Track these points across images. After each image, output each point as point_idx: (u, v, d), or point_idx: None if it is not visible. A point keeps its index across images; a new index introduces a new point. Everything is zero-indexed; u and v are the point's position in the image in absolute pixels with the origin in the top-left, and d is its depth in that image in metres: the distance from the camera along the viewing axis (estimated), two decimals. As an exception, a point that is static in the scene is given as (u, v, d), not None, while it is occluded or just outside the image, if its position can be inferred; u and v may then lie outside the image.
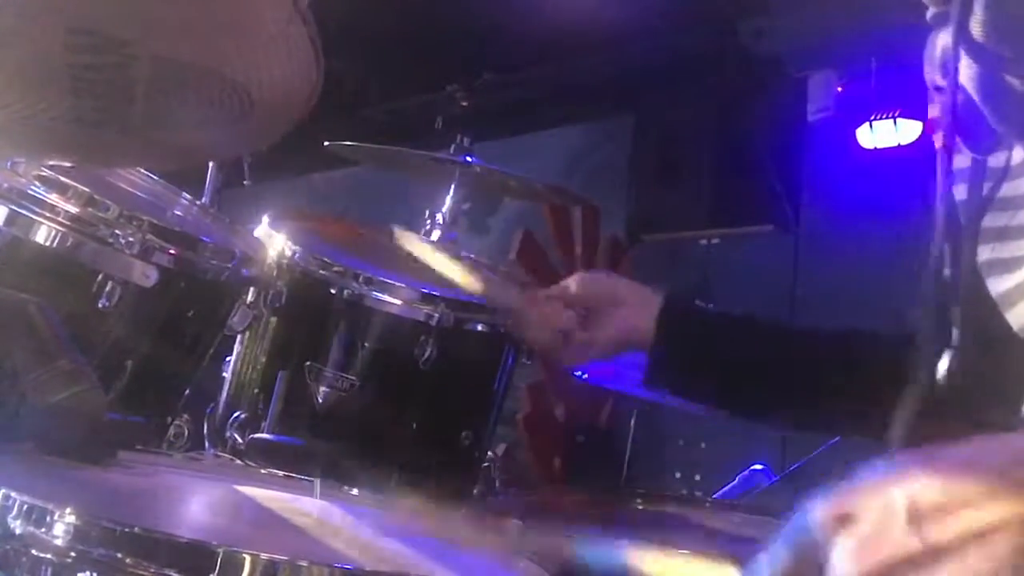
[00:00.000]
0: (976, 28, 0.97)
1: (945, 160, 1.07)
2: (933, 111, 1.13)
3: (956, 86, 0.99)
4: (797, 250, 4.26)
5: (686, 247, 4.52)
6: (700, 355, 1.40)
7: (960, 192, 1.09)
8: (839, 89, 4.16)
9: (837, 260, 3.78)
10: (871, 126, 3.97)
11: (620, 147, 4.74)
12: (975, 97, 1.01)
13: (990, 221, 1.05)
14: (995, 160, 1.06)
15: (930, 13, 1.04)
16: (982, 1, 0.96)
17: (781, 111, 4.26)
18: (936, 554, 0.54)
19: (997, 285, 1.03)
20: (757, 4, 4.02)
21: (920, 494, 0.56)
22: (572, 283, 1.42)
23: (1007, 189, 1.04)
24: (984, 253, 1.04)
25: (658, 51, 4.32)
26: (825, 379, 1.33)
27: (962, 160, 1.08)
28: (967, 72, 1.00)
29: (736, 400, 1.43)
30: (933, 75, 1.07)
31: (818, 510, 0.60)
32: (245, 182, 2.39)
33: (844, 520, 0.58)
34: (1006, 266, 1.03)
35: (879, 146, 3.95)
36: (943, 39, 1.02)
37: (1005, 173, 1.04)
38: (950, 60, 1.00)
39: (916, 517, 0.55)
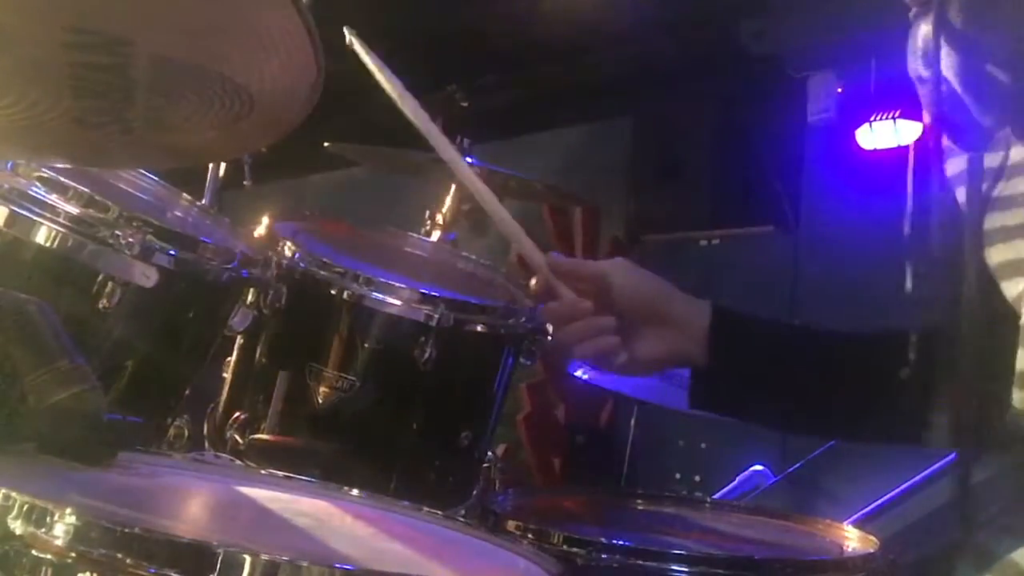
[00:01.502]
0: (956, 16, 0.97)
1: (935, 154, 1.07)
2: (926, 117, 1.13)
3: (939, 76, 0.99)
4: (797, 250, 4.26)
5: (686, 247, 4.53)
6: (754, 374, 1.32)
7: (961, 195, 1.09)
8: (839, 90, 4.16)
9: (837, 260, 3.78)
10: (871, 127, 3.97)
11: (620, 148, 4.74)
12: (957, 88, 1.01)
13: (991, 222, 1.05)
14: (991, 160, 1.05)
15: (912, 11, 1.04)
16: None
17: (781, 112, 4.26)
18: None
19: (1010, 288, 1.03)
20: (757, 5, 4.02)
21: None
22: (609, 276, 1.29)
23: (1004, 188, 1.04)
24: (993, 256, 1.04)
25: (658, 52, 4.33)
26: (876, 383, 1.29)
27: (959, 163, 1.08)
28: (948, 62, 1.00)
29: (790, 416, 1.37)
30: (916, 67, 1.07)
31: None
32: (245, 182, 2.39)
33: None
34: (1012, 267, 1.03)
35: (879, 147, 3.95)
36: (924, 30, 1.02)
37: (1001, 172, 1.04)
38: (932, 50, 1.00)
39: None
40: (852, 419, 1.33)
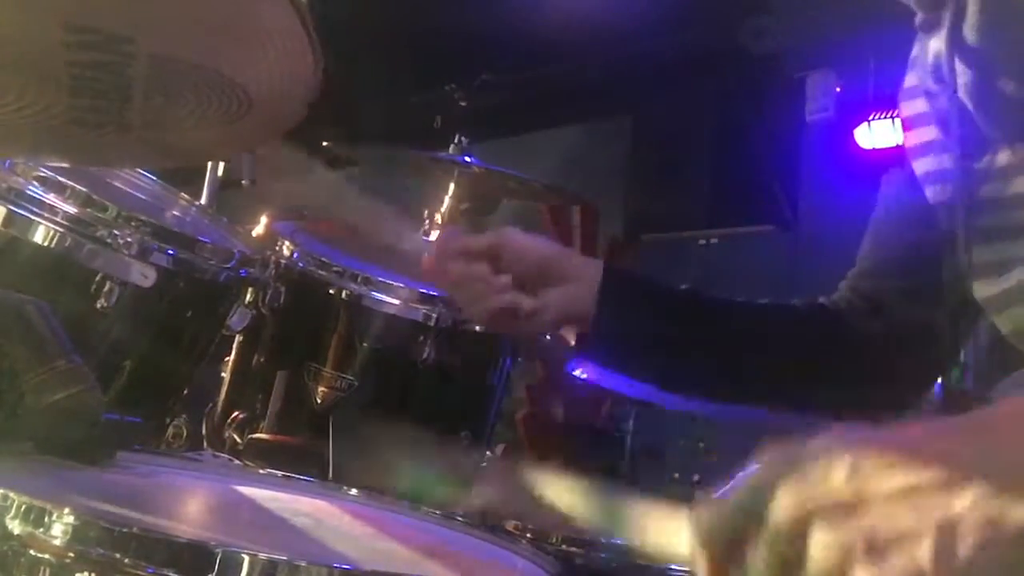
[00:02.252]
0: (970, 33, 0.96)
1: (929, 165, 1.08)
2: (908, 110, 1.13)
3: (954, 91, 0.99)
4: (796, 250, 4.26)
5: (685, 247, 4.52)
6: (641, 331, 1.33)
7: (941, 193, 1.08)
8: (838, 89, 4.16)
9: (836, 260, 3.77)
10: (870, 126, 3.97)
11: (619, 147, 4.74)
12: (968, 103, 1.01)
13: (981, 222, 1.05)
14: (980, 161, 1.05)
15: (919, 19, 1.04)
16: (975, 6, 0.95)
17: (780, 111, 4.26)
18: (866, 505, 0.58)
19: (983, 289, 1.03)
20: (756, 4, 4.02)
21: (861, 454, 0.60)
22: (500, 243, 1.30)
23: (990, 191, 1.03)
24: (977, 254, 1.04)
25: (657, 51, 4.33)
26: (748, 351, 1.31)
27: (943, 161, 1.08)
28: (961, 78, 1.00)
29: (673, 376, 1.38)
30: (926, 81, 1.07)
31: (764, 462, 0.64)
32: (244, 182, 2.39)
33: (788, 469, 0.62)
34: (995, 269, 1.03)
35: (877, 146, 3.95)
36: (935, 44, 1.02)
37: (988, 175, 1.04)
38: (944, 65, 1.00)
39: (854, 471, 0.60)
40: (732, 382, 1.35)
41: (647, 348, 1.34)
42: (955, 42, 0.98)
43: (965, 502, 0.56)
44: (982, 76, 0.99)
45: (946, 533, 0.56)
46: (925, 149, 1.10)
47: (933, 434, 0.63)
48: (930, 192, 1.09)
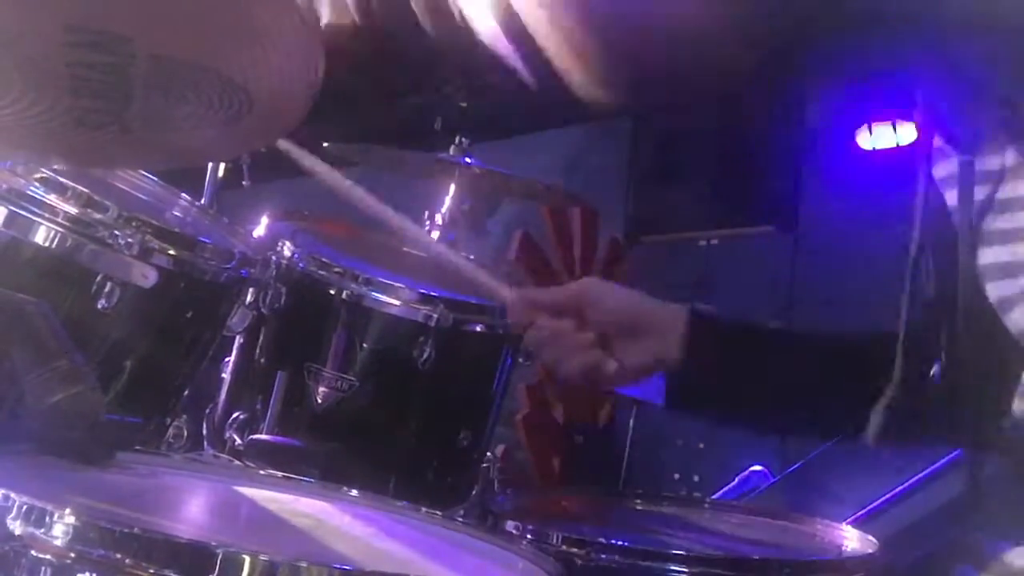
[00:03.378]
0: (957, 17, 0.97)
1: (925, 156, 1.08)
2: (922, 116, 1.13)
3: (940, 78, 1.00)
4: (796, 251, 4.25)
5: (685, 248, 4.52)
6: (728, 374, 1.33)
7: (951, 198, 1.09)
8: (838, 90, 4.16)
9: (836, 261, 3.78)
10: (870, 128, 3.97)
11: (619, 148, 4.74)
12: (971, 105, 1.01)
13: (990, 224, 1.05)
14: (988, 163, 1.05)
15: None
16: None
17: (780, 112, 4.26)
18: None
19: (997, 290, 1.03)
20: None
21: None
22: (582, 296, 1.32)
23: (1006, 191, 1.04)
24: (986, 257, 1.04)
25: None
26: (839, 381, 1.31)
27: (949, 166, 1.08)
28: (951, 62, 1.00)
29: (764, 416, 1.39)
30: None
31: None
32: (244, 183, 2.39)
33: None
34: (1007, 270, 1.03)
35: (878, 147, 3.95)
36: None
37: (1002, 176, 1.04)
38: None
39: None
40: (830, 418, 1.35)
41: (739, 390, 1.34)
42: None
43: None
44: (967, 61, 1.00)
45: None
46: (939, 154, 1.10)
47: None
48: (948, 196, 1.09)
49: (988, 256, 1.05)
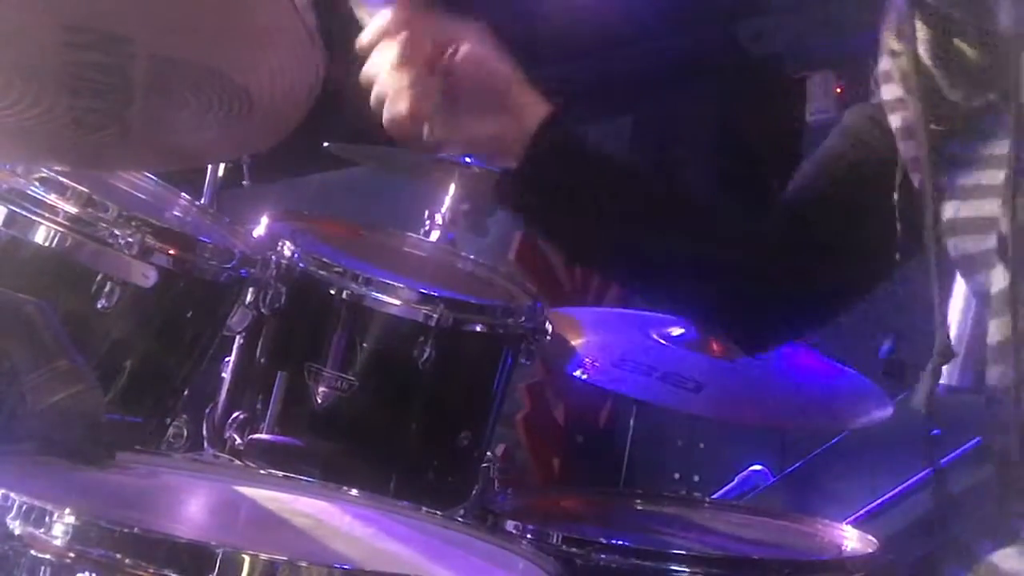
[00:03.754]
0: None
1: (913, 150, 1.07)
2: (881, 66, 1.13)
3: (914, 49, 1.00)
4: (796, 250, 4.25)
5: (685, 248, 4.52)
6: (561, 188, 1.22)
7: (911, 148, 1.08)
8: (838, 90, 4.16)
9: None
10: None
11: (620, 148, 4.74)
12: (927, 61, 1.01)
13: (948, 212, 1.05)
14: (943, 123, 1.05)
15: None
16: None
17: (780, 112, 4.26)
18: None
19: (966, 246, 1.03)
20: (756, 5, 4.02)
21: None
22: (460, 40, 1.16)
23: (961, 148, 1.04)
24: (956, 211, 1.04)
25: (657, 51, 4.33)
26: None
27: (909, 118, 1.07)
28: (921, 36, 1.00)
29: (586, 242, 1.28)
30: (889, 42, 1.07)
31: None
32: (245, 183, 2.39)
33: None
34: (976, 226, 1.03)
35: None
36: (898, 4, 1.03)
37: (954, 134, 1.04)
38: (905, 22, 1.01)
39: None
40: (645, 269, 1.28)
41: (569, 207, 1.22)
42: (915, 1, 0.99)
43: None
44: (941, 36, 1.00)
45: None
46: (894, 106, 1.10)
47: None
48: (902, 147, 1.09)
49: (957, 210, 1.05)
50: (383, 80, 1.14)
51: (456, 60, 1.15)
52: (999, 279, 0.96)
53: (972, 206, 1.02)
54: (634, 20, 3.98)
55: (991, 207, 0.98)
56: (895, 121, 1.09)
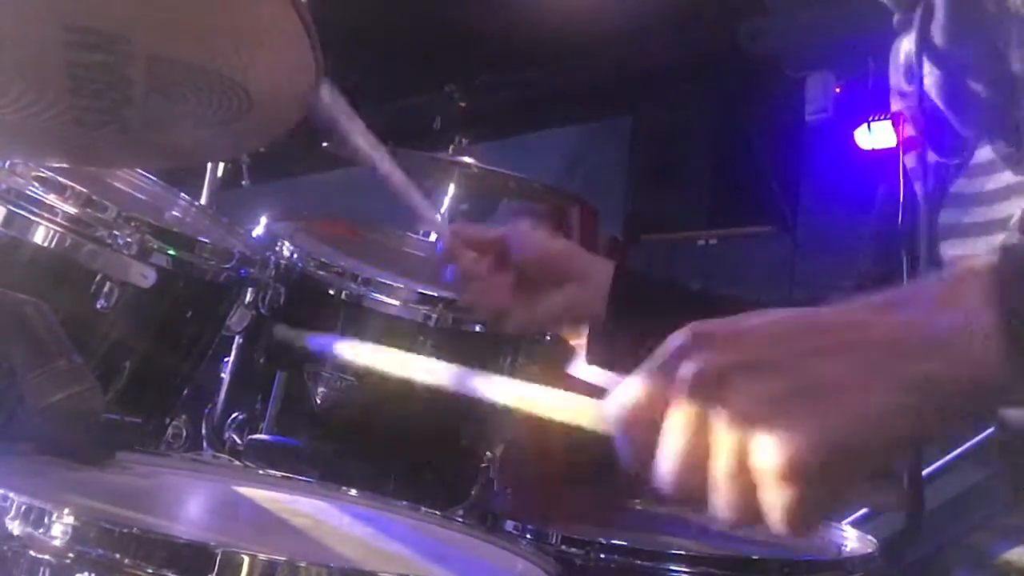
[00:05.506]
0: (938, 34, 0.97)
1: (913, 161, 1.08)
2: (895, 106, 1.13)
3: (922, 92, 1.00)
4: (795, 250, 4.26)
5: (684, 247, 4.53)
6: (651, 332, 1.29)
7: (920, 188, 1.09)
8: (837, 90, 4.16)
9: (835, 260, 3.78)
10: (869, 127, 3.98)
11: (618, 148, 4.75)
12: (939, 103, 1.01)
13: (945, 218, 1.05)
14: (954, 159, 1.06)
15: (896, 18, 1.04)
16: (943, 8, 0.96)
17: (779, 112, 4.27)
18: (779, 362, 0.62)
19: None
20: (755, 5, 4.02)
21: (777, 323, 0.64)
22: (508, 238, 1.27)
23: (963, 185, 1.04)
24: (947, 249, 1.04)
25: (656, 52, 4.33)
26: None
27: (920, 157, 1.08)
28: (930, 78, 1.00)
29: None
30: (898, 80, 1.07)
31: (673, 337, 0.67)
32: (243, 182, 2.39)
33: (695, 339, 0.65)
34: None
35: (876, 147, 3.95)
36: (906, 45, 1.03)
37: (960, 169, 1.04)
38: (914, 65, 1.01)
39: (770, 334, 0.64)
40: None
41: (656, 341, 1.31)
42: (924, 42, 0.99)
43: (865, 368, 0.60)
44: (951, 76, 0.99)
45: (849, 394, 0.59)
46: (908, 145, 1.10)
47: (844, 308, 0.65)
48: (917, 187, 1.09)
49: (947, 249, 1.05)
50: (465, 289, 1.28)
51: (513, 253, 1.26)
52: None
53: (967, 243, 1.02)
54: (634, 20, 3.98)
55: (986, 244, 0.99)
56: (909, 160, 1.09)
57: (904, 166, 1.11)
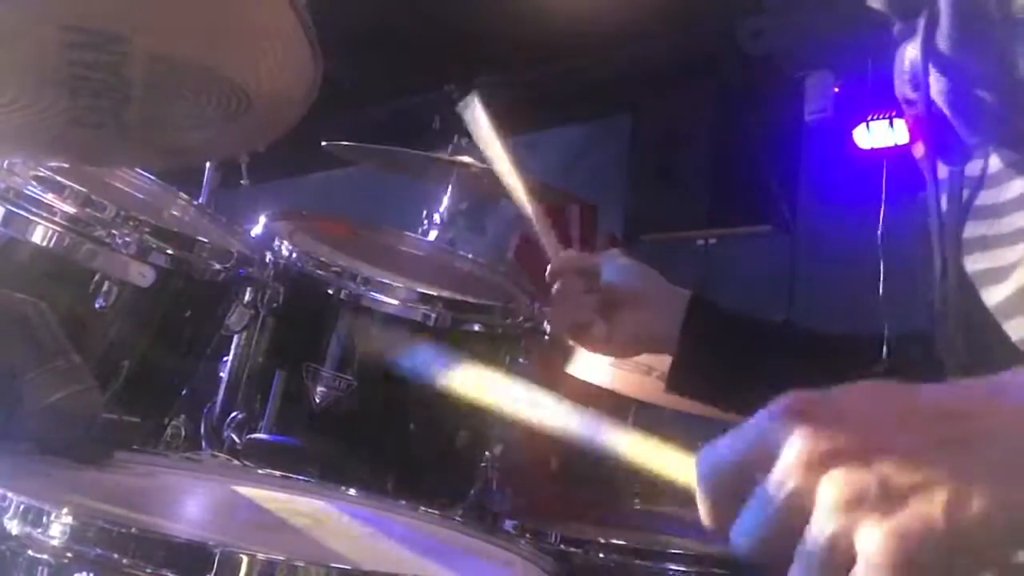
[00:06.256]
0: (943, 42, 0.97)
1: (929, 171, 1.07)
2: (907, 120, 1.13)
3: (928, 100, 0.99)
4: (794, 250, 4.26)
5: (684, 247, 4.52)
6: (727, 364, 1.36)
7: (942, 202, 1.09)
8: (836, 89, 4.16)
9: (834, 260, 3.79)
10: (868, 126, 3.98)
11: (618, 147, 4.75)
12: (945, 111, 1.01)
13: (970, 231, 1.05)
14: (971, 168, 1.05)
15: (896, 27, 1.04)
16: (948, 16, 0.96)
17: (778, 111, 4.26)
18: (881, 453, 0.58)
19: (990, 296, 1.03)
20: (754, 5, 4.02)
21: (877, 405, 0.62)
22: (604, 266, 1.39)
23: (984, 197, 1.04)
24: (971, 264, 1.04)
25: (656, 52, 4.33)
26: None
27: (941, 170, 1.08)
28: (936, 86, 1.00)
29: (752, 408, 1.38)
30: (903, 89, 1.07)
31: (777, 405, 0.64)
32: (242, 182, 2.39)
33: (800, 414, 0.62)
34: (995, 276, 1.02)
35: (876, 146, 3.95)
36: (911, 52, 1.02)
37: (981, 182, 1.04)
38: (919, 74, 1.00)
39: (869, 420, 0.60)
40: None
41: (733, 381, 1.35)
42: (929, 50, 0.99)
43: (980, 459, 0.57)
44: (957, 84, 0.99)
45: (961, 487, 0.56)
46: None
47: (953, 393, 0.63)
48: (939, 201, 1.09)
49: (972, 263, 1.04)
50: (554, 304, 1.36)
51: (603, 276, 1.36)
52: (1020, 328, 0.97)
53: (992, 256, 1.02)
54: (634, 20, 3.98)
55: (1013, 255, 0.98)
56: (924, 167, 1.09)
57: (928, 184, 1.11)
